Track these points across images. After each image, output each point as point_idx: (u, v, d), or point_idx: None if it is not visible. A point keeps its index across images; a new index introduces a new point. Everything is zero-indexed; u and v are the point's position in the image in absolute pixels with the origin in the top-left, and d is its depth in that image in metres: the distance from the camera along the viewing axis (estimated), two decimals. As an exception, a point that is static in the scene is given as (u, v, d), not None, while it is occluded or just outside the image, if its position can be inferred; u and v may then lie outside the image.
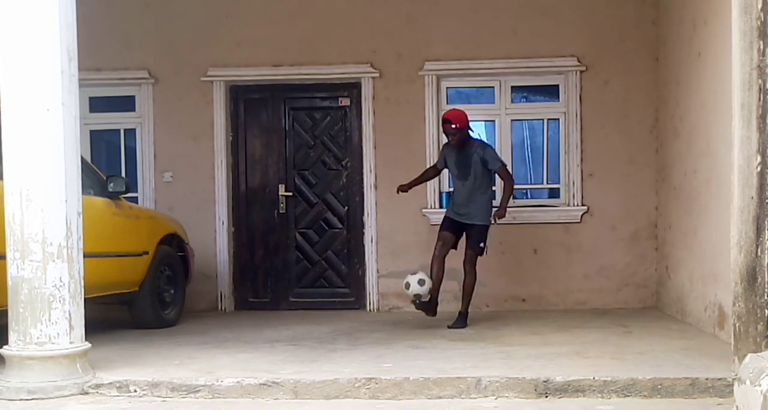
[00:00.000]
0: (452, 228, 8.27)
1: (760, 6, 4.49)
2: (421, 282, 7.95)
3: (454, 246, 8.33)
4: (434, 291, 8.14)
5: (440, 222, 8.45)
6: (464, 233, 8.30)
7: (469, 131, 8.31)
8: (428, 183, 9.37)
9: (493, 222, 8.22)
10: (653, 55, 9.67)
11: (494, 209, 8.29)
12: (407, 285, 8.00)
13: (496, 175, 8.37)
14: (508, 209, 8.24)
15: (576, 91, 9.87)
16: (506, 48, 9.90)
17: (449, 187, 9.37)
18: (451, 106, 9.99)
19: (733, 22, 4.74)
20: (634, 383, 5.27)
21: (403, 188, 8.54)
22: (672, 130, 8.95)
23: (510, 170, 8.68)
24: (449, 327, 8.11)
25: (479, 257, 8.28)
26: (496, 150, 10.00)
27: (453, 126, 8.10)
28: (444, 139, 9.76)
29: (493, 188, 8.54)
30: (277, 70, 10.07)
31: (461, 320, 8.23)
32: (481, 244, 8.22)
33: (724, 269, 6.30)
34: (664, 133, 9.40)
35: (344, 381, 5.43)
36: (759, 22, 4.48)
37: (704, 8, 7.52)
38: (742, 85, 4.61)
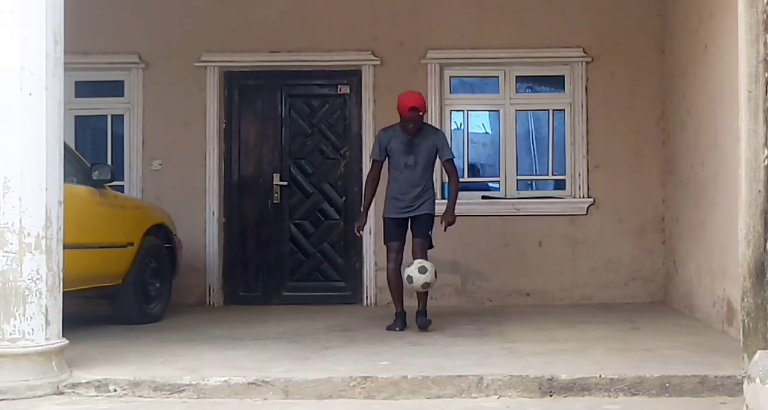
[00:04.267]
0: (399, 234, 7.76)
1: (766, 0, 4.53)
2: (422, 270, 7.51)
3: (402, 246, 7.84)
4: (398, 303, 7.73)
5: (383, 230, 7.87)
6: (408, 226, 7.80)
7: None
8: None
9: (444, 229, 7.76)
10: (660, 48, 9.74)
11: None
12: (410, 279, 7.53)
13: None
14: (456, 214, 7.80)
15: (582, 82, 9.90)
16: (511, 37, 9.91)
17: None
18: (454, 96, 9.94)
19: (739, 15, 4.79)
20: (641, 381, 5.24)
21: (362, 224, 7.96)
22: (679, 123, 9.02)
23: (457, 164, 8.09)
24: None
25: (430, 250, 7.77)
26: (499, 140, 9.91)
27: (420, 113, 7.60)
28: (446, 126, 9.59)
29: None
30: (274, 56, 10.01)
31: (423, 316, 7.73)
32: (429, 232, 7.73)
33: (733, 264, 6.32)
34: (670, 125, 9.46)
35: (338, 380, 5.35)
36: (765, 16, 4.50)
37: (710, 1, 7.60)
38: (748, 78, 4.65)
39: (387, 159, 7.85)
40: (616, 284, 9.76)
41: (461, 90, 10.30)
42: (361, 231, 8.02)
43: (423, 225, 7.72)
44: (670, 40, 9.44)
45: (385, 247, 7.83)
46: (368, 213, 8.00)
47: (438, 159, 7.84)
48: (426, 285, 7.50)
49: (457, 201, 7.88)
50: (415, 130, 7.66)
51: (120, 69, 10.07)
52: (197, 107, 9.97)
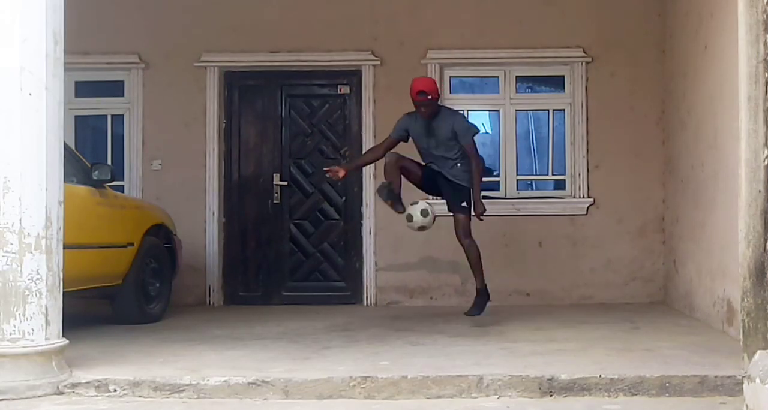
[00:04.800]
0: (413, 163, 7.87)
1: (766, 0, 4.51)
2: (424, 213, 7.63)
3: (409, 178, 7.91)
4: (396, 186, 7.75)
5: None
6: (441, 192, 7.91)
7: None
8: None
9: (480, 219, 7.91)
10: (660, 47, 9.73)
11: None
12: (409, 218, 7.67)
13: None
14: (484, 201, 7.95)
15: (582, 82, 9.90)
16: (511, 37, 9.91)
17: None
18: (454, 96, 9.94)
19: (739, 15, 4.75)
20: (641, 381, 5.21)
21: (337, 171, 7.93)
22: (679, 123, 9.01)
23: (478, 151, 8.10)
24: (466, 313, 7.88)
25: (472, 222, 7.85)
26: (499, 140, 9.90)
27: (428, 97, 7.75)
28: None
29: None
30: (274, 56, 10.00)
31: (479, 302, 7.92)
32: (464, 204, 7.79)
33: (732, 264, 6.31)
34: (670, 125, 9.45)
35: (338, 379, 5.31)
36: (765, 16, 4.47)
37: (710, 1, 7.59)
38: (748, 78, 4.61)
39: (411, 142, 8.00)
40: (616, 284, 9.75)
41: (461, 90, 10.28)
42: (329, 174, 7.95)
43: (458, 197, 7.82)
44: (670, 40, 9.43)
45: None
46: (349, 170, 8.03)
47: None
48: (422, 228, 7.69)
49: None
50: (428, 113, 7.80)
51: (120, 69, 10.05)
52: (197, 107, 9.96)
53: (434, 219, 7.69)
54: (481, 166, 7.99)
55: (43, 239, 5.35)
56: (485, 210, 7.91)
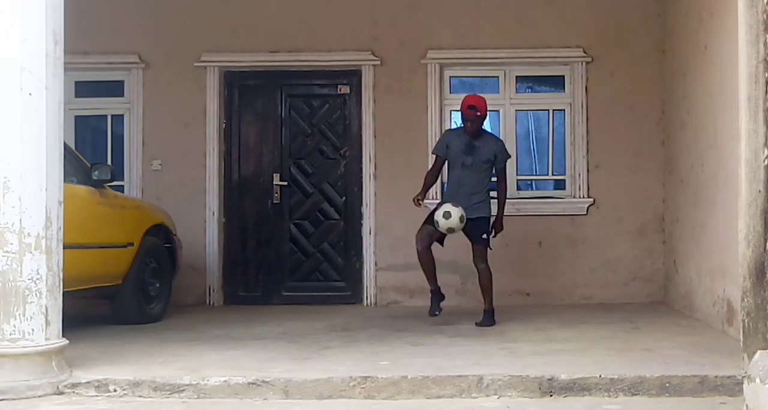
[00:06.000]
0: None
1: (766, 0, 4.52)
2: (446, 215, 7.67)
3: (440, 241, 8.04)
4: (432, 281, 7.98)
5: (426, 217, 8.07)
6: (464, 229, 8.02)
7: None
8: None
9: (492, 236, 8.04)
10: (660, 47, 9.73)
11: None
12: (436, 224, 7.70)
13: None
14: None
15: (582, 82, 9.90)
16: (511, 37, 9.90)
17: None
18: (454, 96, 9.99)
19: (739, 15, 4.78)
20: (641, 381, 5.24)
21: (421, 199, 8.05)
22: (679, 123, 9.01)
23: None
24: (477, 324, 7.90)
25: (489, 251, 8.02)
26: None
27: (478, 113, 7.90)
28: (446, 126, 9.63)
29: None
30: (274, 56, 9.98)
31: (488, 318, 7.99)
32: (484, 236, 7.97)
33: (732, 264, 6.33)
34: (670, 125, 9.45)
35: (338, 379, 5.33)
36: (765, 16, 4.49)
37: (710, 1, 7.61)
38: (748, 78, 4.64)
39: (446, 159, 8.13)
40: (616, 284, 9.74)
41: (461, 90, 10.17)
42: (420, 202, 8.04)
43: (477, 228, 7.92)
44: (670, 40, 9.43)
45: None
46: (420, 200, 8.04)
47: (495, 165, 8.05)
48: (450, 230, 7.71)
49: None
50: (473, 130, 7.94)
51: (120, 69, 10.04)
52: (197, 107, 9.94)
53: (461, 219, 7.69)
54: (506, 191, 8.19)
55: (43, 239, 5.35)
56: (503, 229, 8.12)
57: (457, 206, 7.71)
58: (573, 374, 5.27)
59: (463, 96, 10.10)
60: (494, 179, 8.17)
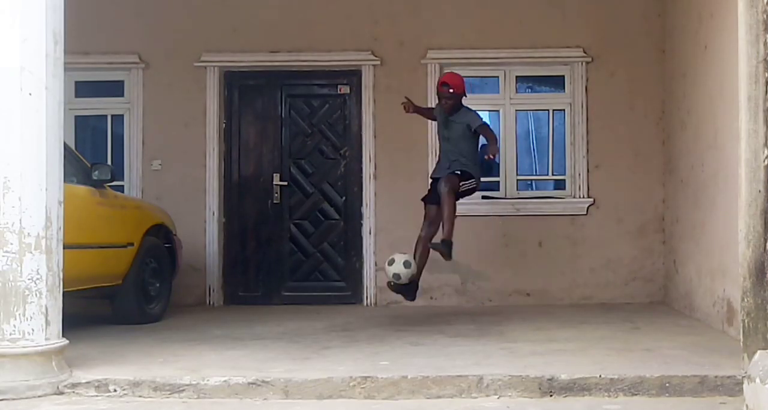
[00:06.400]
0: (435, 196, 7.90)
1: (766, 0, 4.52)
2: (406, 264, 7.61)
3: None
4: (416, 274, 7.82)
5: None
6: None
7: (463, 98, 8.04)
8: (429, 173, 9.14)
9: (487, 158, 7.91)
10: (660, 48, 9.73)
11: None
12: (391, 262, 7.64)
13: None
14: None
15: (582, 82, 9.89)
16: (511, 37, 9.90)
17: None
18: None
19: (739, 15, 4.78)
20: (641, 381, 5.24)
21: (410, 104, 8.29)
22: (679, 123, 9.01)
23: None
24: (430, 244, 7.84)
25: (461, 197, 7.94)
26: (500, 140, 9.89)
27: (450, 90, 7.88)
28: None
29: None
30: (274, 57, 9.98)
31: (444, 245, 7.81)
32: (456, 172, 7.82)
33: (732, 264, 6.32)
34: (670, 125, 9.45)
35: (338, 379, 5.33)
36: (765, 16, 4.50)
37: (710, 1, 7.62)
38: (748, 78, 4.64)
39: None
40: (616, 284, 9.73)
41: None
42: (409, 105, 8.29)
43: (447, 174, 7.85)
44: (670, 40, 9.42)
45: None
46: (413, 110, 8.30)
47: (475, 133, 8.01)
48: (396, 276, 7.61)
49: (464, 196, 8.02)
50: (448, 107, 7.96)
51: (120, 69, 10.03)
52: (197, 107, 9.94)
53: (411, 277, 7.68)
54: (496, 138, 8.15)
55: (43, 239, 5.36)
56: (497, 152, 8.11)
57: (404, 253, 7.71)
58: (573, 374, 5.27)
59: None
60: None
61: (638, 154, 9.77)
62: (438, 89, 8.05)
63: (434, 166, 8.39)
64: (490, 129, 8.12)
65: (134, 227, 8.14)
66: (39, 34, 5.40)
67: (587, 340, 6.81)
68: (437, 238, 7.75)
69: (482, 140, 8.16)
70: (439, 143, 8.32)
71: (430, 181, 8.21)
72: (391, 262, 7.62)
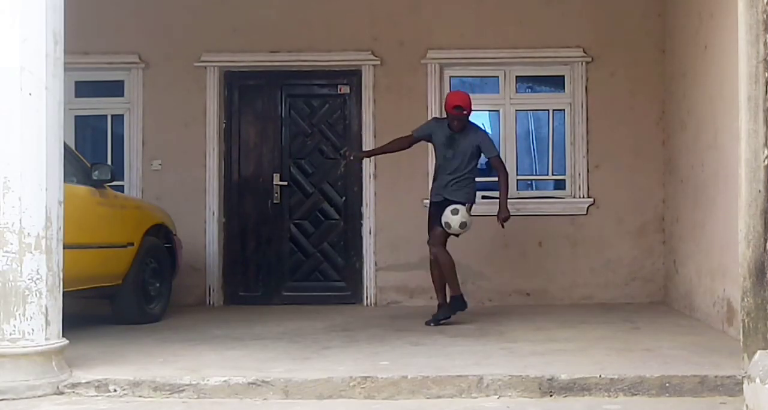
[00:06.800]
0: (437, 219, 7.96)
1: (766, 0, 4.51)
2: (454, 212, 7.78)
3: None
4: (438, 294, 8.05)
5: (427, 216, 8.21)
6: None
7: None
8: (429, 174, 9.11)
9: (502, 227, 8.12)
10: (660, 47, 9.73)
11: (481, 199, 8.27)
12: (447, 225, 7.80)
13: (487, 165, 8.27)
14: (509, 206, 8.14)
15: (582, 82, 9.90)
16: (511, 37, 9.91)
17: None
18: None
19: (739, 15, 4.77)
20: (641, 381, 5.24)
21: (359, 156, 8.48)
22: (679, 123, 9.01)
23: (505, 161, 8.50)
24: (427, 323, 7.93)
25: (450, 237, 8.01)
26: (499, 140, 9.90)
27: (464, 112, 7.93)
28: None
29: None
30: (274, 57, 9.98)
31: (457, 302, 8.07)
32: (445, 221, 7.88)
33: (732, 264, 6.31)
34: (670, 125, 9.45)
35: (338, 379, 5.32)
36: (765, 16, 4.49)
37: (710, 1, 7.62)
38: (748, 78, 4.63)
39: (431, 146, 8.37)
40: (617, 284, 9.73)
41: (461, 90, 10.13)
42: (348, 155, 8.56)
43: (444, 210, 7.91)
44: (670, 40, 9.42)
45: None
46: (364, 158, 8.62)
47: (483, 156, 8.15)
48: (463, 225, 7.79)
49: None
50: (459, 127, 7.98)
51: (120, 69, 10.03)
52: (197, 107, 9.93)
53: (469, 223, 7.87)
54: (507, 178, 8.20)
55: (43, 239, 5.35)
56: (509, 217, 8.11)
57: (460, 206, 7.82)
58: (573, 374, 5.27)
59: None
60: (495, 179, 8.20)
61: (638, 154, 9.77)
62: (450, 111, 7.96)
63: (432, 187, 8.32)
64: (503, 164, 8.19)
65: (134, 227, 8.13)
66: (39, 34, 5.39)
67: (587, 340, 6.80)
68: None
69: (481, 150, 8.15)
70: (436, 162, 8.23)
71: (428, 204, 8.29)
72: (449, 226, 7.79)
